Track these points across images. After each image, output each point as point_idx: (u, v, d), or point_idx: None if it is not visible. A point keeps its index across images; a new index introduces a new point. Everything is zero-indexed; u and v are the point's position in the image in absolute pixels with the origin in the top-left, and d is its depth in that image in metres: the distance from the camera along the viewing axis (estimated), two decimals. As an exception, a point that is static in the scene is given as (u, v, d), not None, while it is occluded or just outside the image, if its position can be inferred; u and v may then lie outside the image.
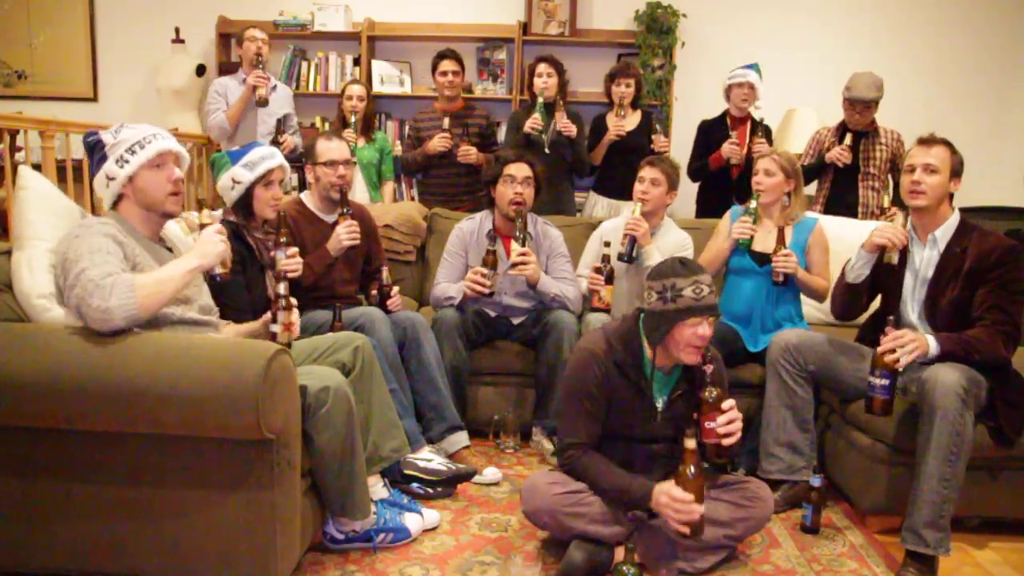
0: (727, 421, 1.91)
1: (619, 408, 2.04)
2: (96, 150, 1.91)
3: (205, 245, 1.89)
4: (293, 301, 2.08)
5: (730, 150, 3.61)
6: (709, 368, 1.93)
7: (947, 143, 2.29)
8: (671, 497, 1.86)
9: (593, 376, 2.01)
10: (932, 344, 2.15)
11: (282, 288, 2.05)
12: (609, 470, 2.00)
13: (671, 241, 2.95)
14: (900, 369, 2.11)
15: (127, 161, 1.87)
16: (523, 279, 2.87)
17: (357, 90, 3.89)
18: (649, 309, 1.99)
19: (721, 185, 3.81)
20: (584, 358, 2.04)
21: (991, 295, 2.19)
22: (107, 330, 1.71)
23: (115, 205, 1.94)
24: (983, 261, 2.22)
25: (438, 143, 3.74)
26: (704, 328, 1.91)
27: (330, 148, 2.73)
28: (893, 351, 2.09)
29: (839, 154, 3.56)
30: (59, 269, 1.81)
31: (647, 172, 2.93)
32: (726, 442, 1.92)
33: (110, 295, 1.68)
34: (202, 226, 1.93)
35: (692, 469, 1.83)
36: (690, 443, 1.84)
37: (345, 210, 2.71)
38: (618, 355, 2.03)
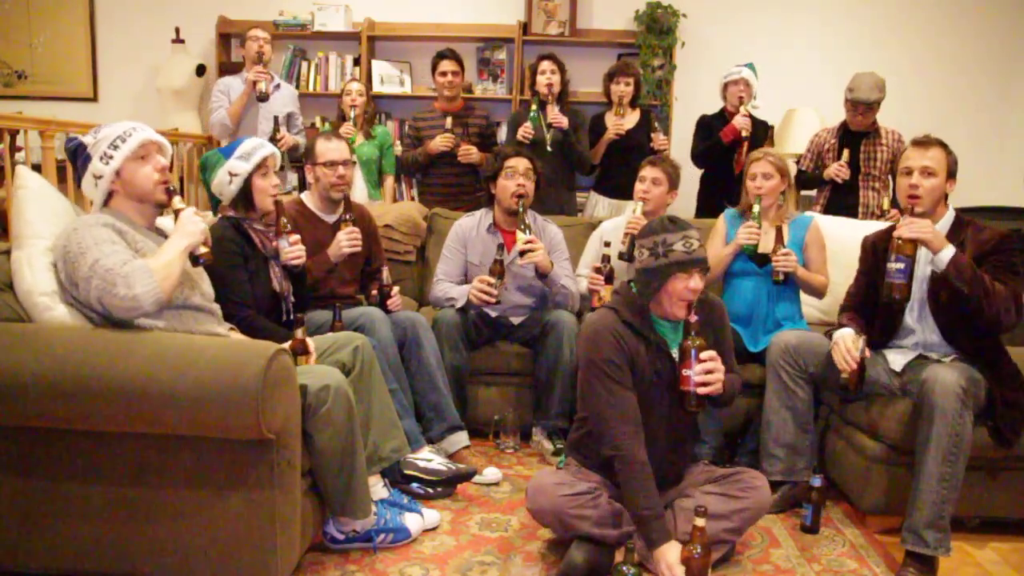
0: (704, 371, 1.91)
1: (643, 372, 2.01)
2: (78, 153, 1.93)
3: (187, 225, 1.91)
4: (311, 344, 2.13)
5: (742, 122, 3.62)
6: (693, 318, 1.94)
7: (942, 144, 2.28)
8: (673, 573, 1.89)
9: (610, 342, 1.97)
10: (947, 249, 2.13)
11: (299, 333, 2.09)
12: (647, 487, 1.95)
13: None
14: (913, 249, 2.12)
15: (111, 156, 1.89)
16: (529, 272, 2.86)
17: (356, 87, 3.91)
18: (641, 267, 2.01)
19: (721, 184, 3.81)
20: (595, 331, 2.01)
21: (992, 271, 2.18)
22: (133, 317, 1.77)
23: (106, 203, 1.95)
24: (981, 249, 2.23)
25: (441, 142, 3.74)
26: (695, 281, 1.94)
27: (329, 148, 2.73)
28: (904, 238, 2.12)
29: (837, 171, 3.59)
30: (61, 263, 1.82)
31: (648, 172, 2.94)
32: (702, 391, 1.92)
33: (134, 283, 1.73)
34: (176, 212, 1.95)
35: (699, 549, 1.86)
36: (699, 521, 1.85)
37: (348, 216, 2.70)
38: (624, 315, 2.02)
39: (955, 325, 2.26)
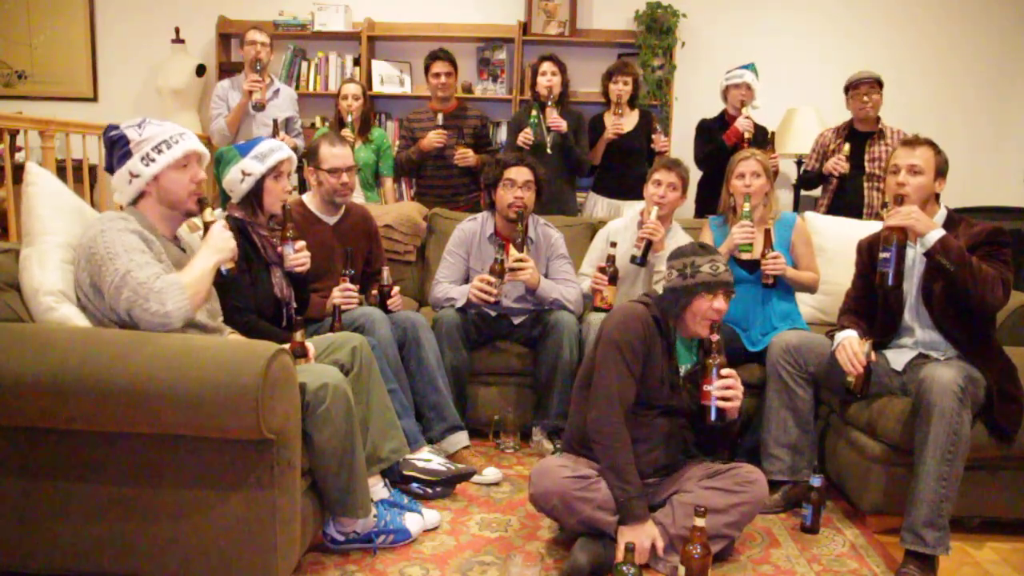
0: (724, 386, 2.00)
1: (651, 372, 2.07)
2: (118, 146, 1.90)
3: (218, 240, 1.92)
4: (310, 347, 2.13)
5: (745, 124, 3.62)
6: (715, 337, 2.04)
7: (931, 144, 2.31)
8: (644, 553, 1.97)
9: (638, 330, 2.05)
10: (934, 231, 2.13)
11: (298, 335, 2.08)
12: (631, 465, 2.02)
13: (679, 245, 2.94)
14: (903, 238, 2.15)
15: (153, 160, 1.87)
16: (522, 283, 2.87)
17: (352, 89, 3.86)
18: (669, 287, 2.10)
19: (720, 186, 3.80)
20: (629, 314, 2.09)
21: (980, 259, 2.19)
22: (163, 331, 1.77)
23: (135, 202, 1.93)
24: (973, 241, 2.24)
25: (434, 138, 3.73)
26: (720, 302, 2.04)
27: (334, 155, 2.71)
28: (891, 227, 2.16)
29: (835, 164, 3.59)
30: (84, 262, 1.81)
31: (664, 176, 2.92)
32: (721, 404, 2.01)
33: (166, 299, 1.74)
34: (206, 224, 1.94)
35: (699, 549, 1.88)
36: (699, 521, 1.88)
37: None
38: (654, 311, 2.11)
39: (950, 319, 2.27)
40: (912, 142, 2.33)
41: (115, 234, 1.79)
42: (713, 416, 2.02)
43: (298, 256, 2.38)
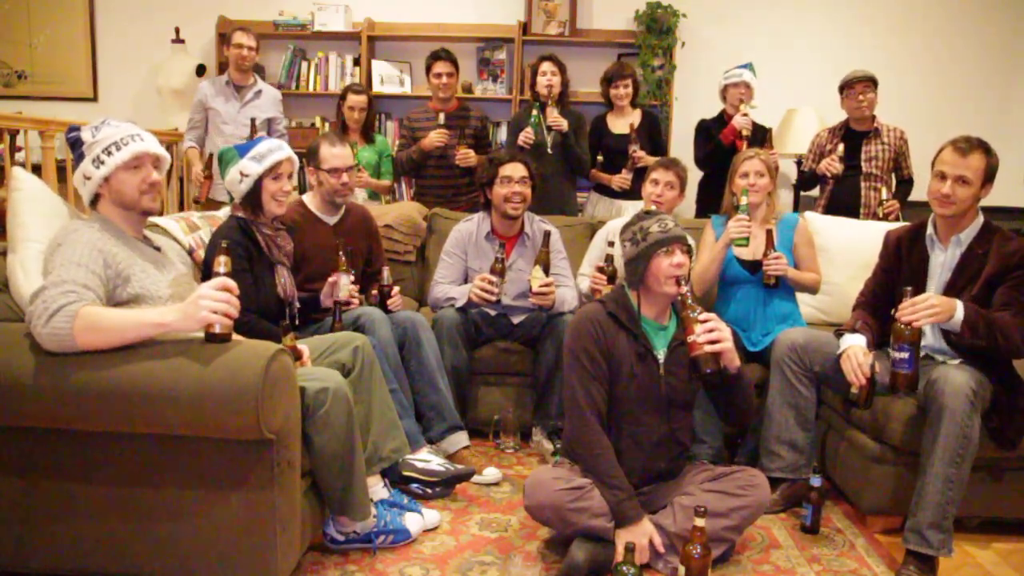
0: (706, 330, 1.94)
1: (621, 364, 2.05)
2: (75, 147, 1.87)
3: (194, 308, 1.66)
4: (304, 349, 2.13)
5: (743, 122, 3.62)
6: (684, 289, 2.00)
7: (983, 148, 2.18)
8: (644, 553, 1.97)
9: (589, 333, 2.05)
10: (959, 309, 2.05)
11: (288, 339, 2.07)
12: (615, 469, 2.01)
13: None
14: (917, 335, 2.04)
15: (103, 162, 1.82)
16: (521, 281, 2.87)
17: (359, 101, 3.85)
18: (626, 258, 2.10)
19: (720, 186, 3.79)
20: (579, 320, 2.11)
21: (1011, 291, 2.14)
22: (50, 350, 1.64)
23: (94, 203, 1.90)
24: (1005, 262, 2.17)
25: (435, 138, 3.73)
26: (678, 257, 2.01)
27: (334, 155, 2.71)
28: (910, 323, 2.03)
29: (828, 165, 3.58)
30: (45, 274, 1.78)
31: (661, 175, 2.92)
32: (711, 349, 1.93)
33: (46, 322, 1.59)
34: (214, 274, 1.76)
35: (699, 549, 1.87)
36: (699, 521, 1.87)
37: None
38: (610, 307, 2.10)
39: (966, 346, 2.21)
40: (964, 148, 2.16)
41: (68, 248, 1.71)
42: (710, 365, 1.93)
43: (352, 288, 2.57)
